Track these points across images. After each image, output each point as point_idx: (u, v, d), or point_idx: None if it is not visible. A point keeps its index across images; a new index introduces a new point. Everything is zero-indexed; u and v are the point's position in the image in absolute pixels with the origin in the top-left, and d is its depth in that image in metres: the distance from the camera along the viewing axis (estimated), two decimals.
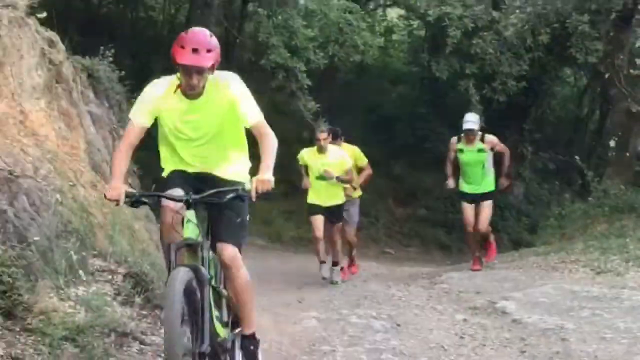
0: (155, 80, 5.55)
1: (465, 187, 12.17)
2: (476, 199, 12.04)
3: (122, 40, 19.25)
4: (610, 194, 14.51)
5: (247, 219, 5.58)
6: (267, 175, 5.12)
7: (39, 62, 8.41)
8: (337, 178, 11.09)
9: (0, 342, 5.27)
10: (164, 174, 5.69)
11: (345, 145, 11.82)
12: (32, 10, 8.63)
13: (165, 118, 5.46)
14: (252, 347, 5.67)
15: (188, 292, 4.77)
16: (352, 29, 18.72)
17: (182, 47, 5.12)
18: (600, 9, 15.47)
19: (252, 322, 5.64)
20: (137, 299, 6.91)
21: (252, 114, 5.40)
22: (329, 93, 21.31)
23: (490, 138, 11.96)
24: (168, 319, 4.59)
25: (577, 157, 19.03)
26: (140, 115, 5.45)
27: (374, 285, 11.06)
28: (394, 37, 26.90)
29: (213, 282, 5.35)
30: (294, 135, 17.87)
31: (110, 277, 6.99)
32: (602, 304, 8.72)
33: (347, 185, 11.42)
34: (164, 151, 5.69)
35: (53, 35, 9.15)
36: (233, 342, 5.62)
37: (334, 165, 11.10)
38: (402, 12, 25.33)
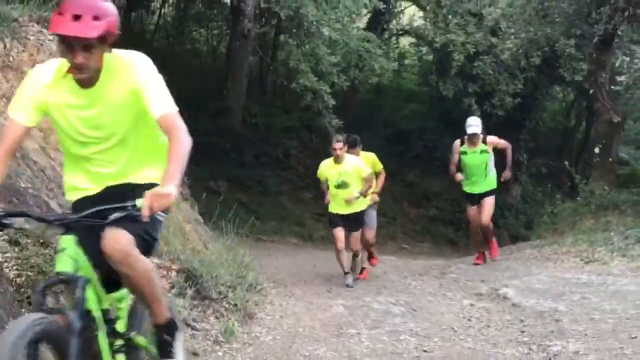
0: (39, 65, 3.75)
1: (468, 189, 11.57)
2: (480, 198, 11.45)
3: (172, 68, 19.35)
4: (596, 194, 14.39)
5: (156, 236, 3.79)
6: (166, 188, 3.23)
7: None
8: (359, 193, 10.09)
9: None
10: (67, 197, 3.93)
11: (362, 153, 10.82)
12: None
13: (56, 114, 3.62)
14: (166, 336, 3.86)
15: (32, 353, 2.98)
16: (369, 55, 18.82)
17: (60, 13, 3.32)
18: (585, 34, 15.41)
19: (160, 311, 3.80)
20: (189, 292, 6.94)
21: (158, 103, 3.53)
22: (351, 111, 21.29)
23: (491, 138, 11.38)
24: None
25: (566, 163, 18.89)
26: (19, 111, 3.58)
27: (392, 276, 11.05)
28: (406, 61, 26.85)
29: (102, 330, 3.59)
30: (322, 148, 17.87)
31: (165, 272, 7.02)
32: (590, 289, 8.68)
33: (369, 193, 10.42)
34: (66, 164, 3.89)
35: None
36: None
37: (351, 173, 10.07)
38: (413, 39, 25.27)
